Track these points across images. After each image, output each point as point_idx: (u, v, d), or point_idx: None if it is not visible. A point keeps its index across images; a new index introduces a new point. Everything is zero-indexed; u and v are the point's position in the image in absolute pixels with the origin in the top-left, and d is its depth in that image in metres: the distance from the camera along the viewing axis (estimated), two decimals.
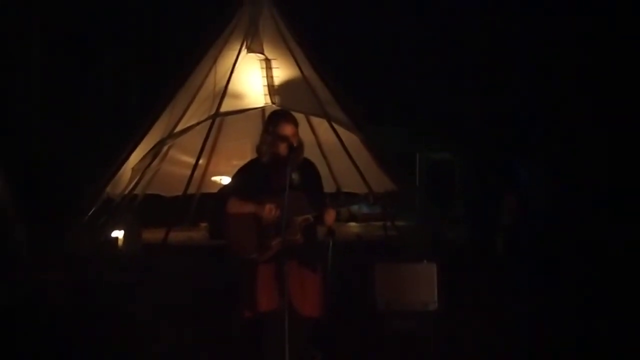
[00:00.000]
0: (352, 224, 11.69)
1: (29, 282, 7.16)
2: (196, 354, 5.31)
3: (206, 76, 10.63)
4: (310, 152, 4.51)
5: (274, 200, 4.10)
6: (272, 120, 4.34)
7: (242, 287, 4.23)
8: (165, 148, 10.77)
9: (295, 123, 4.30)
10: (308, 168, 4.38)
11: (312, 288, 4.16)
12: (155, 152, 10.51)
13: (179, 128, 10.38)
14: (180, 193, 10.34)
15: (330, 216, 4.12)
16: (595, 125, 11.08)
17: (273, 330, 3.99)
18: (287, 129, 4.24)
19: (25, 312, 6.23)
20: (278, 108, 4.69)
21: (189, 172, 10.20)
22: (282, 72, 10.57)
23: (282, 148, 4.19)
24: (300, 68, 10.62)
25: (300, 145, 4.32)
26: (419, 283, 4.95)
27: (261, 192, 4.19)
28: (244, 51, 10.50)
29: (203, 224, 11.02)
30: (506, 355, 5.21)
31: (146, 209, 10.85)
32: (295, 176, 4.19)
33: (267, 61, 10.55)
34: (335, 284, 4.29)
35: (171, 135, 10.42)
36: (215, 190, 11.15)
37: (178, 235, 10.09)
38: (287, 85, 10.41)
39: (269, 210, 4.12)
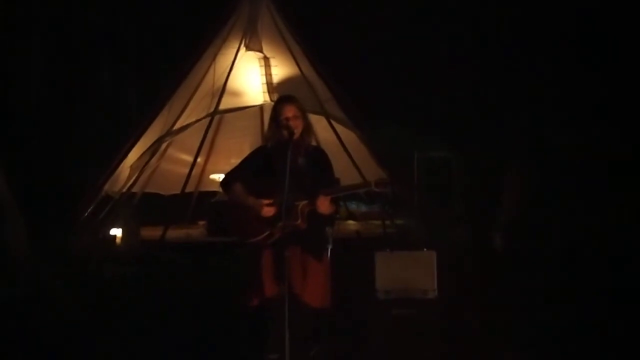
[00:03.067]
0: (351, 222, 11.68)
1: (28, 278, 7.15)
2: (197, 345, 5.29)
3: (205, 74, 10.66)
4: None
5: (274, 194, 4.10)
6: (275, 106, 4.37)
7: (249, 273, 4.23)
8: (163, 146, 10.78)
9: (297, 105, 4.28)
10: (316, 154, 4.38)
11: (315, 277, 4.13)
12: (153, 149, 10.53)
13: (177, 126, 10.40)
14: (178, 191, 10.37)
15: (322, 203, 4.05)
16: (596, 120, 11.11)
17: (275, 316, 3.99)
18: (288, 111, 4.23)
19: (24, 308, 6.22)
20: (281, 95, 4.71)
21: (187, 170, 10.24)
22: (280, 70, 10.63)
23: (286, 134, 4.16)
24: (298, 66, 10.67)
25: (307, 128, 4.31)
26: (419, 271, 4.94)
27: (265, 178, 4.20)
28: (242, 49, 10.55)
29: (201, 222, 11.01)
30: (505, 343, 5.19)
31: (144, 207, 10.84)
32: (301, 161, 4.20)
33: (266, 59, 10.61)
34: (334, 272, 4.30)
35: (169, 133, 10.43)
36: (213, 189, 11.16)
37: (176, 233, 10.10)
38: (285, 83, 10.46)
39: (267, 212, 4.14)
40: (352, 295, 5.36)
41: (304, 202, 4.09)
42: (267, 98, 10.32)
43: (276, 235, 4.10)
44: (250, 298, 4.20)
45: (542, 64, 12.25)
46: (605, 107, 11.26)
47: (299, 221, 4.10)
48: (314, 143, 4.65)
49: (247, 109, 10.67)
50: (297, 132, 4.20)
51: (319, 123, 10.46)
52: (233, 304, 4.75)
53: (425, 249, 5.08)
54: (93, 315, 6.07)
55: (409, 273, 4.91)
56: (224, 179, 4.44)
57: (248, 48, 10.54)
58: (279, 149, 4.18)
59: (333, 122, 10.49)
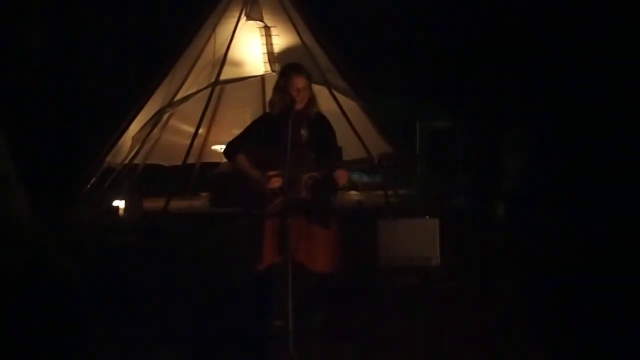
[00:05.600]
0: (353, 192, 11.67)
1: (31, 247, 7.14)
2: (201, 314, 5.30)
3: (205, 44, 10.61)
4: None
5: (279, 166, 4.07)
6: (284, 73, 4.30)
7: (251, 242, 4.24)
8: (165, 117, 10.75)
9: (306, 76, 4.24)
10: (320, 123, 4.33)
11: (322, 243, 4.16)
12: (155, 121, 10.51)
13: (178, 97, 10.36)
14: (180, 162, 10.36)
15: (341, 177, 4.07)
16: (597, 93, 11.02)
17: (279, 283, 4.01)
18: (299, 82, 4.18)
19: (27, 277, 6.22)
20: (290, 62, 4.61)
21: (189, 141, 10.21)
22: (281, 40, 10.54)
23: (288, 101, 4.13)
24: (300, 35, 10.59)
25: (312, 99, 4.27)
26: (422, 239, 4.96)
27: (268, 148, 4.18)
28: (243, 19, 10.47)
29: (204, 194, 11.01)
30: (506, 311, 5.18)
31: (147, 178, 10.84)
32: (304, 132, 4.17)
33: (267, 29, 10.52)
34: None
35: (171, 104, 10.40)
36: (216, 160, 11.13)
37: (179, 204, 10.10)
38: (287, 53, 10.37)
39: (274, 183, 4.12)
40: (356, 264, 5.35)
41: (308, 174, 4.08)
42: (268, 68, 10.24)
43: (279, 207, 4.10)
44: (253, 265, 4.22)
45: (543, 31, 12.13)
46: (608, 73, 11.15)
47: (303, 193, 4.10)
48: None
49: (248, 79, 10.60)
50: (302, 103, 4.17)
51: (321, 94, 10.24)
52: (236, 272, 4.73)
53: (427, 217, 5.10)
54: (96, 286, 6.07)
55: (412, 241, 4.94)
56: (227, 148, 4.39)
57: (249, 17, 10.45)
58: (284, 118, 4.14)
59: (335, 93, 10.43)
